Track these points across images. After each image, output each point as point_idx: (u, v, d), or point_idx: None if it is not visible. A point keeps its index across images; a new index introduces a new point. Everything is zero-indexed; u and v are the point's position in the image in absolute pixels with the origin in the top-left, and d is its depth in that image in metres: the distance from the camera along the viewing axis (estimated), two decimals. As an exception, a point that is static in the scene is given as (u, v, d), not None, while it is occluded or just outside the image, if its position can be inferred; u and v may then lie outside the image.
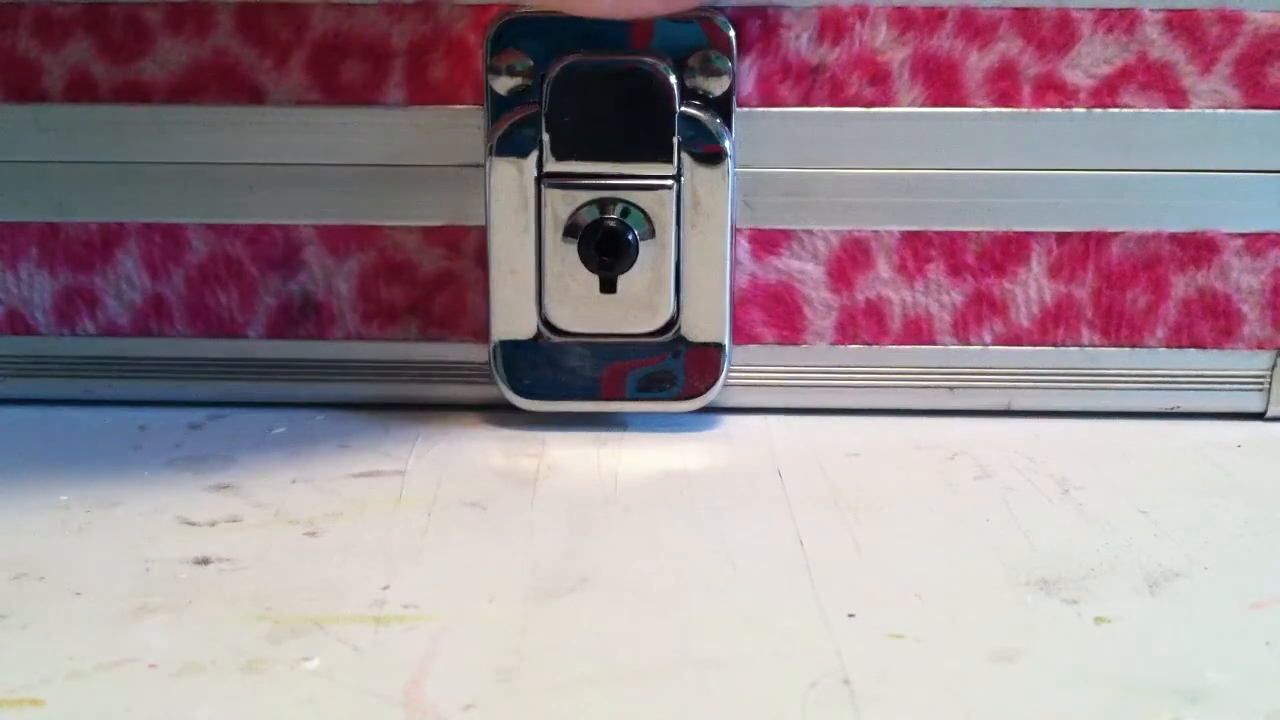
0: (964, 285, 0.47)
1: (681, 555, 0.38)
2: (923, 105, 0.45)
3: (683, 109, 0.44)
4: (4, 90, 0.45)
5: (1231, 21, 0.44)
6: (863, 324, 0.47)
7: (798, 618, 0.35)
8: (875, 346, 0.47)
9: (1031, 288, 0.46)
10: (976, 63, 0.45)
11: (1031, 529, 0.40)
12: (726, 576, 0.37)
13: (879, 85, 0.45)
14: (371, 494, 0.42)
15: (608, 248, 0.44)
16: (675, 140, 0.44)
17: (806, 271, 0.46)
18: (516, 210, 0.44)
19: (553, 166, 0.44)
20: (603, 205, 0.44)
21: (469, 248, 0.46)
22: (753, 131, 0.45)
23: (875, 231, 0.46)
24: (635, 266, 0.45)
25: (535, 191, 0.44)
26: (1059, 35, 0.45)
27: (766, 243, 0.46)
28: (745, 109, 0.45)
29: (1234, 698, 0.32)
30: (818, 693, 0.32)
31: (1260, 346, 0.47)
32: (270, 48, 0.45)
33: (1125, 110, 0.45)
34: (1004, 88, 0.45)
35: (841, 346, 0.47)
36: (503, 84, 0.44)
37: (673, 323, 0.45)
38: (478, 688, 0.32)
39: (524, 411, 0.46)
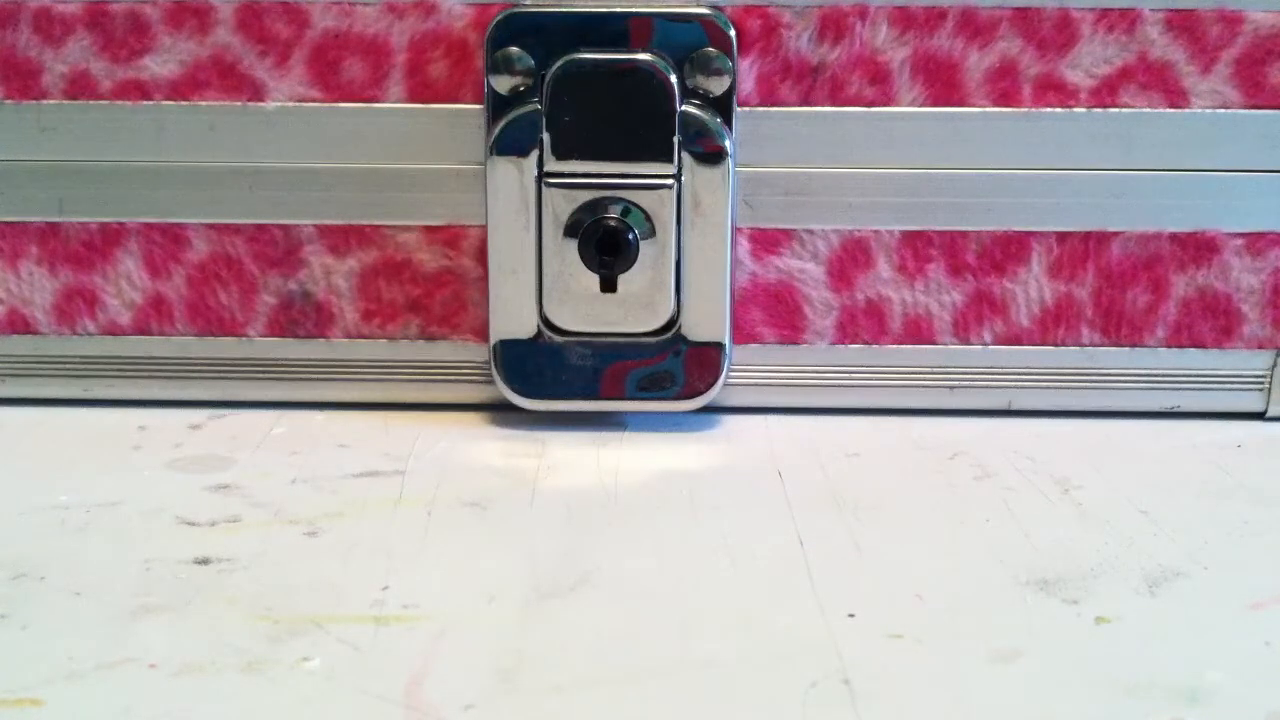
0: (964, 285, 0.47)
1: (681, 555, 0.38)
2: (923, 105, 0.45)
3: (683, 108, 0.44)
4: (4, 89, 0.45)
5: (1231, 21, 0.44)
6: (863, 323, 0.47)
7: (798, 618, 0.35)
8: (875, 346, 0.47)
9: (1032, 287, 0.46)
10: (977, 62, 0.45)
11: (1031, 529, 0.40)
12: (726, 576, 0.37)
13: (879, 85, 0.45)
14: (371, 494, 0.42)
15: (608, 247, 0.44)
16: (675, 140, 0.44)
17: (807, 271, 0.46)
18: (516, 210, 0.44)
19: (553, 166, 0.44)
20: (603, 205, 0.44)
21: (469, 247, 0.46)
22: (753, 131, 0.45)
23: (875, 231, 0.46)
24: (635, 266, 0.45)
25: (535, 191, 0.44)
26: (1059, 35, 0.45)
27: (766, 242, 0.46)
28: (745, 108, 0.45)
29: (1234, 698, 0.32)
30: (818, 693, 0.32)
31: (1260, 346, 0.47)
32: (271, 46, 0.45)
33: (1125, 110, 0.45)
34: (1004, 87, 0.45)
35: (841, 346, 0.47)
36: (503, 83, 0.44)
37: (673, 322, 0.45)
38: (478, 688, 0.32)
39: (524, 411, 0.46)
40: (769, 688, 0.32)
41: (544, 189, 0.44)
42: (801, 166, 0.46)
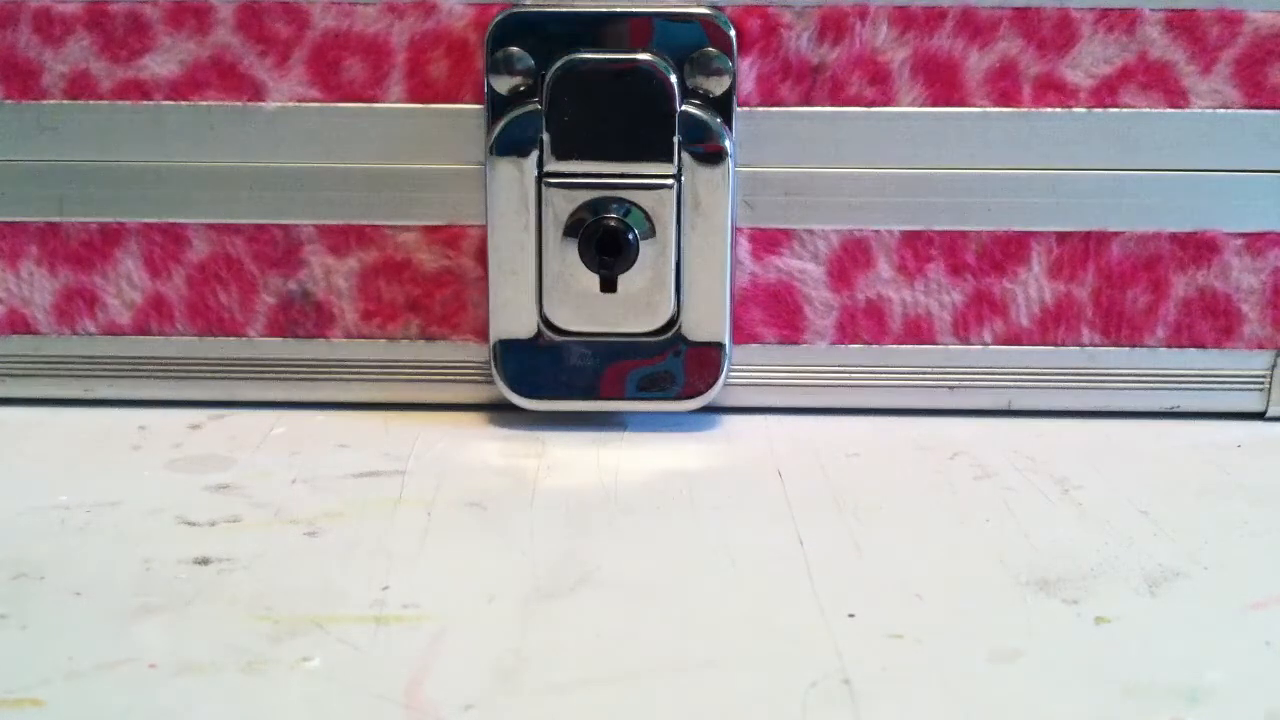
0: (964, 285, 0.47)
1: (681, 555, 0.38)
2: (923, 105, 0.45)
3: (683, 108, 0.44)
4: (4, 89, 0.45)
5: (1231, 21, 0.44)
6: (863, 323, 0.47)
7: (798, 618, 0.35)
8: (875, 346, 0.47)
9: (1031, 287, 0.46)
10: (977, 63, 0.45)
11: (1031, 529, 0.40)
12: (726, 576, 0.37)
13: (879, 85, 0.45)
14: (371, 494, 0.42)
15: (608, 247, 0.44)
16: (675, 140, 0.44)
17: (807, 271, 0.46)
18: (516, 210, 0.44)
19: (553, 166, 0.44)
20: (603, 205, 0.44)
21: (469, 247, 0.46)
22: (753, 131, 0.45)
23: (875, 231, 0.46)
24: (635, 266, 0.45)
25: (535, 191, 0.44)
26: (1059, 35, 0.45)
27: (766, 242, 0.46)
28: (745, 108, 0.45)
29: (1234, 698, 0.32)
30: (818, 693, 0.32)
31: (1260, 346, 0.47)
32: (271, 46, 0.45)
33: (1125, 110, 0.45)
34: (1004, 88, 0.45)
35: (841, 346, 0.47)
36: (503, 83, 0.44)
37: (673, 322, 0.45)
38: (478, 688, 0.32)
39: (524, 411, 0.46)
40: (769, 688, 0.32)
41: (544, 189, 0.44)
42: (801, 166, 0.46)
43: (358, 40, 0.45)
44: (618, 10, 0.44)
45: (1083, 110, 0.45)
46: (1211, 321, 0.47)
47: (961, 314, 0.47)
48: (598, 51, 0.44)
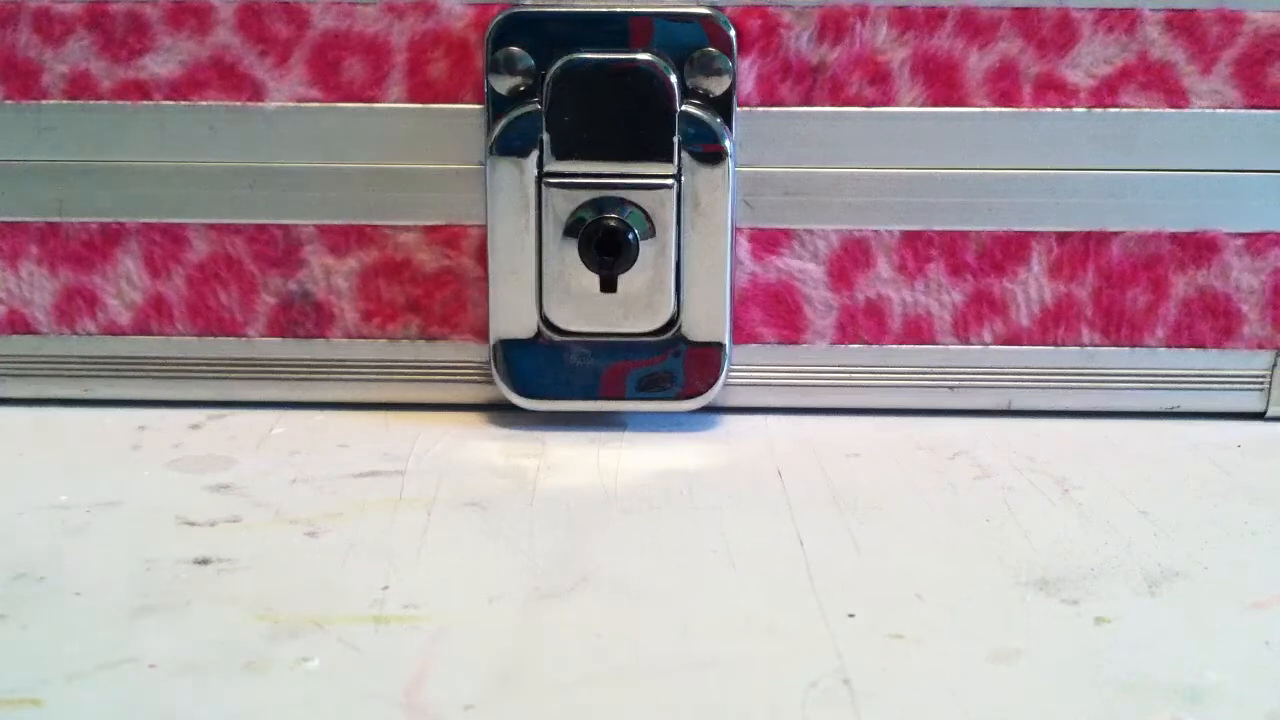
0: (964, 285, 0.47)
1: (681, 555, 0.38)
2: (923, 105, 0.45)
3: (683, 108, 0.44)
4: (4, 89, 0.45)
5: (1231, 21, 0.44)
6: (863, 323, 0.47)
7: (798, 618, 0.35)
8: (875, 346, 0.47)
9: (1032, 287, 0.46)
10: (977, 63, 0.45)
11: (1031, 529, 0.40)
12: (726, 576, 0.37)
13: (879, 85, 0.45)
14: (371, 494, 0.42)
15: (608, 247, 0.44)
16: (675, 140, 0.44)
17: (807, 271, 0.46)
18: (516, 210, 0.44)
19: (553, 166, 0.44)
20: (603, 205, 0.44)
21: (469, 247, 0.46)
22: (753, 131, 0.45)
23: (875, 231, 0.46)
24: (635, 266, 0.45)
25: (535, 191, 0.44)
26: (1059, 35, 0.45)
27: (766, 242, 0.46)
28: (746, 108, 0.45)
29: (1234, 698, 0.32)
30: (818, 693, 0.32)
31: (1260, 346, 0.47)
32: (271, 46, 0.45)
33: (1125, 110, 0.45)
34: (1004, 87, 0.45)
35: (841, 346, 0.47)
36: (503, 83, 0.44)
37: (673, 322, 0.45)
38: (478, 688, 0.32)
39: (524, 411, 0.46)
40: (769, 688, 0.32)
41: (544, 189, 0.44)
42: (801, 166, 0.46)
43: (358, 40, 0.45)
44: (618, 10, 0.44)
45: (1083, 110, 0.45)
46: (1211, 321, 0.47)
47: (961, 314, 0.47)
48: (598, 51, 0.44)
